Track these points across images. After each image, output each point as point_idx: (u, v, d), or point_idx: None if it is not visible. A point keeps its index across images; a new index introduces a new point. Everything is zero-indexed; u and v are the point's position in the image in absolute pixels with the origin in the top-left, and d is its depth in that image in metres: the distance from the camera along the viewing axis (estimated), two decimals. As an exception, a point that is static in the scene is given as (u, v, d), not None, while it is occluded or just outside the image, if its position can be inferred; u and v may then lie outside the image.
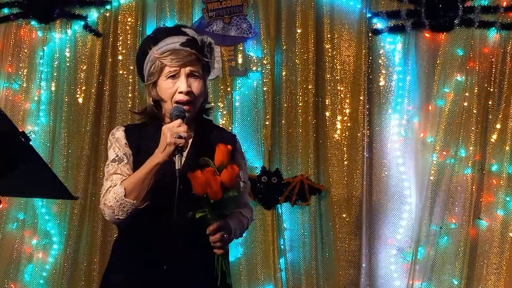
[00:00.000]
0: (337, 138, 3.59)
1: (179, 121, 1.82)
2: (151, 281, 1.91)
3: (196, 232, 1.83)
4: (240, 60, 3.64)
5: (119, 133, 2.00)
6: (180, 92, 1.90)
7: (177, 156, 1.77)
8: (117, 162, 1.95)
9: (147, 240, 1.93)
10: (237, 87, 3.65)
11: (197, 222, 1.80)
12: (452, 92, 3.49)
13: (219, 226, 1.80)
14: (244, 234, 2.13)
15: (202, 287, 1.92)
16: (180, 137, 1.78)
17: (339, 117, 3.59)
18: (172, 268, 1.91)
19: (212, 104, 2.12)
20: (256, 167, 3.57)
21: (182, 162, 1.78)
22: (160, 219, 1.90)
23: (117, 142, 1.98)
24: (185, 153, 1.93)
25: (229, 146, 1.80)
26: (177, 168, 1.75)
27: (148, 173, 1.83)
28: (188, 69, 1.91)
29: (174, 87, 1.91)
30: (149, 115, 2.01)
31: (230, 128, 3.57)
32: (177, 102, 1.91)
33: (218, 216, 1.80)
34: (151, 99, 2.00)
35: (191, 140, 1.98)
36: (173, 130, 1.79)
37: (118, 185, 1.86)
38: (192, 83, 1.92)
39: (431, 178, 3.46)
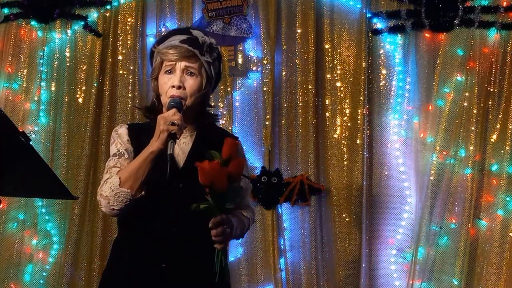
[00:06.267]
0: (337, 138, 3.59)
1: (173, 110, 1.85)
2: (151, 280, 1.91)
3: (195, 229, 1.83)
4: (240, 60, 3.64)
5: (122, 130, 2.02)
6: (173, 87, 1.91)
7: (169, 142, 1.79)
8: (117, 157, 1.96)
9: (145, 239, 1.93)
10: (237, 87, 3.65)
11: (196, 218, 1.80)
12: (452, 92, 3.49)
13: (222, 219, 1.80)
14: (245, 235, 2.14)
15: (200, 285, 1.92)
16: (173, 124, 1.80)
17: (339, 117, 3.60)
18: (171, 266, 1.91)
19: (215, 111, 2.12)
20: (256, 167, 3.58)
21: (174, 149, 1.80)
22: (158, 217, 1.91)
23: (119, 138, 2.00)
24: (184, 153, 1.96)
25: (236, 141, 1.81)
26: (168, 153, 1.78)
27: (143, 162, 1.83)
28: (183, 64, 1.92)
29: (169, 82, 1.93)
30: (150, 109, 2.02)
31: (230, 128, 3.57)
32: (170, 97, 1.92)
33: (221, 210, 1.80)
34: (154, 94, 2.03)
35: (192, 140, 2.00)
36: (166, 118, 1.81)
37: (114, 176, 1.87)
38: (186, 80, 1.93)
39: (431, 178, 3.46)
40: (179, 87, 1.91)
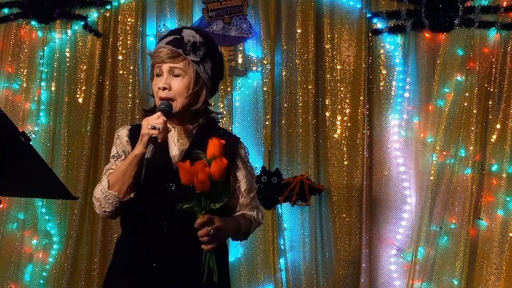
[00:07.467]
0: (337, 138, 3.59)
1: (158, 113, 1.86)
2: (142, 279, 1.92)
3: (187, 229, 1.82)
4: (240, 60, 3.64)
5: (123, 131, 2.04)
6: (159, 88, 1.93)
7: (149, 146, 1.81)
8: (115, 159, 1.99)
9: (138, 239, 1.95)
10: (237, 87, 3.65)
11: (188, 218, 1.80)
12: (452, 92, 3.49)
13: (206, 220, 1.80)
14: (247, 237, 2.11)
15: (191, 285, 1.92)
16: (154, 128, 1.81)
17: (339, 117, 3.59)
18: (162, 266, 1.92)
19: (212, 109, 2.12)
20: (256, 167, 3.57)
21: (152, 153, 1.80)
22: (151, 217, 1.92)
23: (119, 140, 2.03)
24: (180, 153, 1.96)
25: (222, 141, 1.80)
26: (145, 157, 1.79)
27: (128, 165, 1.86)
28: (167, 66, 1.93)
29: (158, 84, 1.95)
30: (151, 112, 2.03)
31: (230, 128, 3.57)
32: (160, 99, 1.94)
33: (207, 210, 1.79)
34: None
35: (189, 141, 1.99)
36: (149, 122, 1.83)
37: (105, 179, 1.91)
38: (172, 81, 1.94)
39: (431, 178, 3.46)
40: (164, 89, 1.92)
